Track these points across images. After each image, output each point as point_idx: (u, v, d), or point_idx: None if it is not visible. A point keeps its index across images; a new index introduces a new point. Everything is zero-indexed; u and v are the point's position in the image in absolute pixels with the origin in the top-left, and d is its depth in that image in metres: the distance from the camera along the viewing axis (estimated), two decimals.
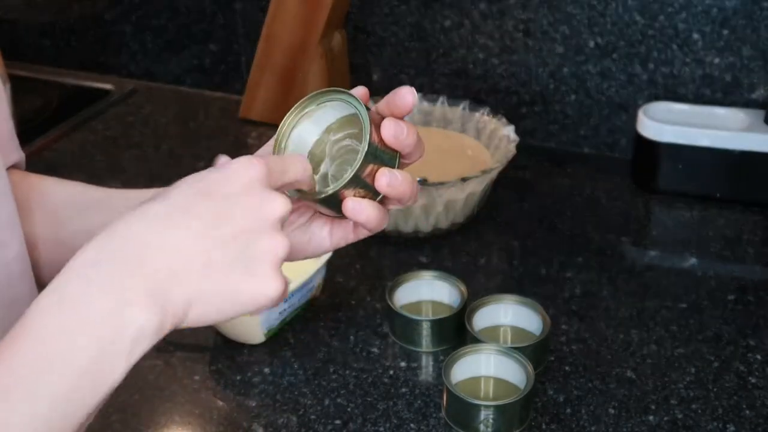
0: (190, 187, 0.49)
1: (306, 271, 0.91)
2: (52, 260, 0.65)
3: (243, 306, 0.49)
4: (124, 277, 0.46)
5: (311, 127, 0.60)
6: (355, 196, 0.57)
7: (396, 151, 0.59)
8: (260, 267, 0.49)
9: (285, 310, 0.91)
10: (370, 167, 0.57)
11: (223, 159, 0.54)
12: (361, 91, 0.60)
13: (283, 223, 0.51)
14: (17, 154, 0.65)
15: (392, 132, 0.57)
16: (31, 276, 0.62)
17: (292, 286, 0.87)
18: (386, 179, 0.57)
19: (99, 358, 0.45)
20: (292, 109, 0.59)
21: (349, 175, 0.56)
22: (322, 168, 0.60)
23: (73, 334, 0.44)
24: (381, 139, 0.58)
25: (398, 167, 0.59)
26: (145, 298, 0.45)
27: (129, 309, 0.45)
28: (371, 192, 0.58)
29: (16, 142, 0.65)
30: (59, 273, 0.46)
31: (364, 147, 0.56)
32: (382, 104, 0.59)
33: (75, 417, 0.44)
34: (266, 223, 0.49)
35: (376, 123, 0.58)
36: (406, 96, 0.57)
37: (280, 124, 0.59)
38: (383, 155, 0.58)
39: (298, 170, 0.54)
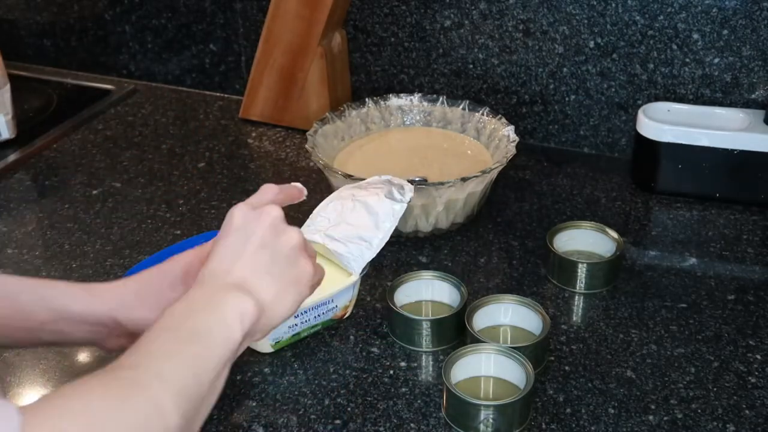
0: (253, 233, 0.69)
1: (324, 289, 0.84)
2: None
3: (303, 294, 0.71)
4: (225, 283, 0.67)
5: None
6: None
7: None
8: (301, 263, 0.71)
9: (296, 325, 0.90)
10: None
11: (265, 187, 0.75)
12: None
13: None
14: None
15: None
16: None
17: (307, 303, 0.85)
18: None
19: (222, 332, 0.64)
20: None
21: None
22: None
23: (208, 321, 0.64)
24: None
25: None
26: (236, 291, 0.66)
27: (231, 299, 0.66)
28: None
29: None
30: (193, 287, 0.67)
31: None
32: None
33: (207, 376, 0.62)
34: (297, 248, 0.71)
35: None
36: None
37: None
38: None
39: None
